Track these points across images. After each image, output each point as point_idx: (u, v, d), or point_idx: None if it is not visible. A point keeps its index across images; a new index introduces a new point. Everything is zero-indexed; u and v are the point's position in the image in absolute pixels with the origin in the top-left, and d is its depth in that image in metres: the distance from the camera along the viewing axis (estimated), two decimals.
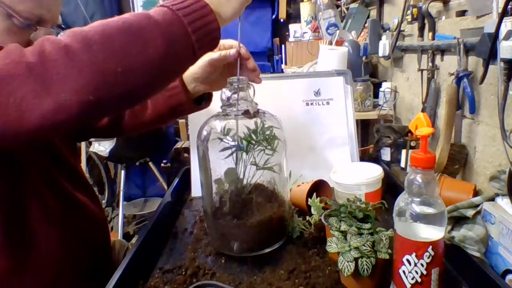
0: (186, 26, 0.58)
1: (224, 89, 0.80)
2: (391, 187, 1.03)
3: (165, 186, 2.72)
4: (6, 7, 0.65)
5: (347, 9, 2.32)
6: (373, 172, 0.97)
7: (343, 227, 0.70)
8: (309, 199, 0.86)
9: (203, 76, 0.87)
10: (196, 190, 1.11)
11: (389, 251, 0.64)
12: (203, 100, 0.94)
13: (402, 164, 1.21)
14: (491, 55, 0.82)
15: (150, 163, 2.91)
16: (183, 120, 2.27)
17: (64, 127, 0.54)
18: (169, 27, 0.57)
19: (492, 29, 0.80)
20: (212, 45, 0.63)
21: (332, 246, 0.68)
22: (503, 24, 0.77)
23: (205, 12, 0.60)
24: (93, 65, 0.52)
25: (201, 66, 0.85)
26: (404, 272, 0.59)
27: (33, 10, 0.67)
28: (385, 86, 1.70)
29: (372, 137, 1.63)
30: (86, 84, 0.52)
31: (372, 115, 1.74)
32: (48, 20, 0.71)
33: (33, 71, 0.51)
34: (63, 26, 0.76)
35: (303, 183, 0.98)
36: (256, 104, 0.81)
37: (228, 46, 0.84)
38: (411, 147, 1.18)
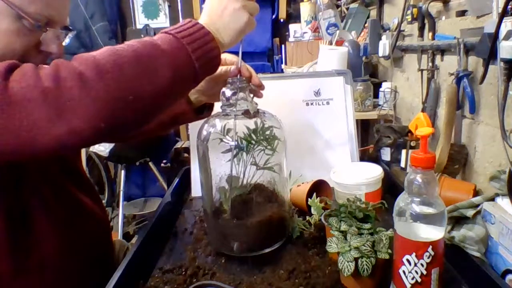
0: (190, 54, 0.61)
1: (224, 89, 0.80)
2: (391, 187, 1.02)
3: (165, 186, 2.72)
4: (16, 8, 0.64)
5: (347, 9, 2.32)
6: (373, 172, 0.97)
7: (343, 227, 0.70)
8: (309, 199, 0.86)
9: (205, 88, 0.90)
10: (196, 190, 1.11)
11: (389, 251, 0.64)
12: (204, 110, 0.96)
13: (402, 164, 1.21)
14: (491, 55, 0.81)
15: (150, 163, 2.91)
16: None
17: (76, 148, 0.57)
18: (175, 56, 0.61)
19: (492, 29, 0.80)
20: (212, 70, 0.67)
21: (332, 246, 0.68)
22: (503, 24, 0.77)
23: (208, 39, 0.64)
24: (106, 93, 0.55)
25: (203, 79, 0.88)
26: (404, 272, 0.59)
27: (42, 11, 0.67)
28: (385, 86, 1.70)
29: (372, 137, 1.63)
30: (98, 111, 0.54)
31: (372, 115, 1.74)
32: (57, 22, 0.71)
33: (48, 96, 0.53)
34: (70, 27, 0.75)
35: (303, 183, 0.98)
36: (256, 104, 0.81)
37: (230, 62, 0.86)
38: (411, 147, 1.18)
